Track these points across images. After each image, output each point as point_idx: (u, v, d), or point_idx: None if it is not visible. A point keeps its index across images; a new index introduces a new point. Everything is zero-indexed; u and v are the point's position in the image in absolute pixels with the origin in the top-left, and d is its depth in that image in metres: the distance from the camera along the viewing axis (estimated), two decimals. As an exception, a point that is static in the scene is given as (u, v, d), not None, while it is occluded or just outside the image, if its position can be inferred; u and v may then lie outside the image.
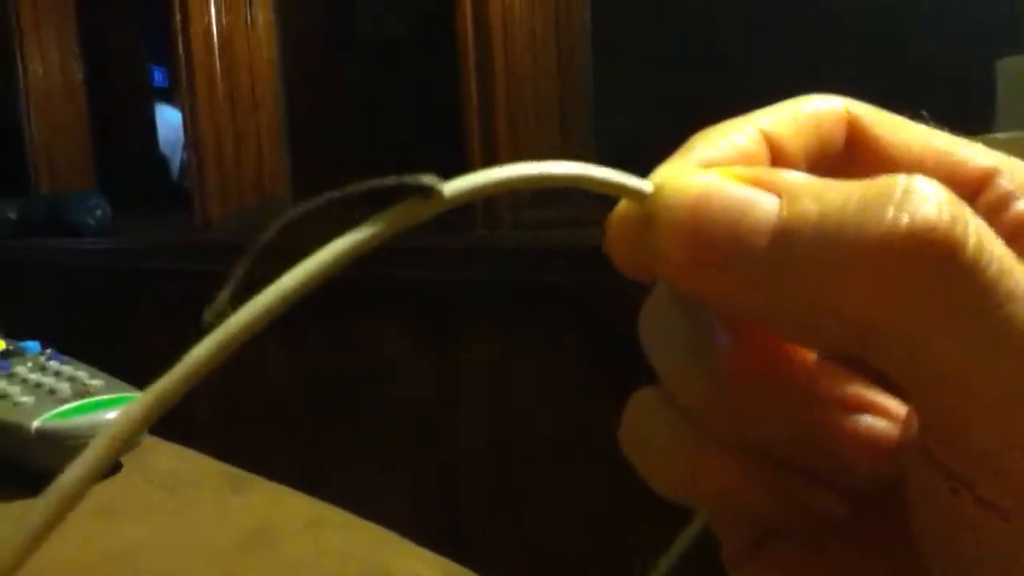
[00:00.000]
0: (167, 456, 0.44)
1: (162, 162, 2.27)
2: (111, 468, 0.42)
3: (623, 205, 0.18)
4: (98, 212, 1.64)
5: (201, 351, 0.14)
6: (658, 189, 0.17)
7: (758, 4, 1.02)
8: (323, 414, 1.23)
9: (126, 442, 0.14)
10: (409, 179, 0.15)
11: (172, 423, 0.47)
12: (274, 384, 1.28)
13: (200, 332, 0.15)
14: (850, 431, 0.18)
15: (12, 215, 1.77)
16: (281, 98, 1.47)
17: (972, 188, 0.18)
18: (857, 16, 0.94)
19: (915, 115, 0.20)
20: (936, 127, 0.20)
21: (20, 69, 1.80)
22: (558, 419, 1.01)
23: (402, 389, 1.14)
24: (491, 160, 1.07)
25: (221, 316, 0.14)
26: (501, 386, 1.05)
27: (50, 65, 1.82)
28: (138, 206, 1.82)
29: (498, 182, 0.16)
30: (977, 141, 0.19)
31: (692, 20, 1.07)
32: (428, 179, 0.15)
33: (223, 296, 0.14)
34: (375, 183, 0.15)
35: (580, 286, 0.94)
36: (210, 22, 1.38)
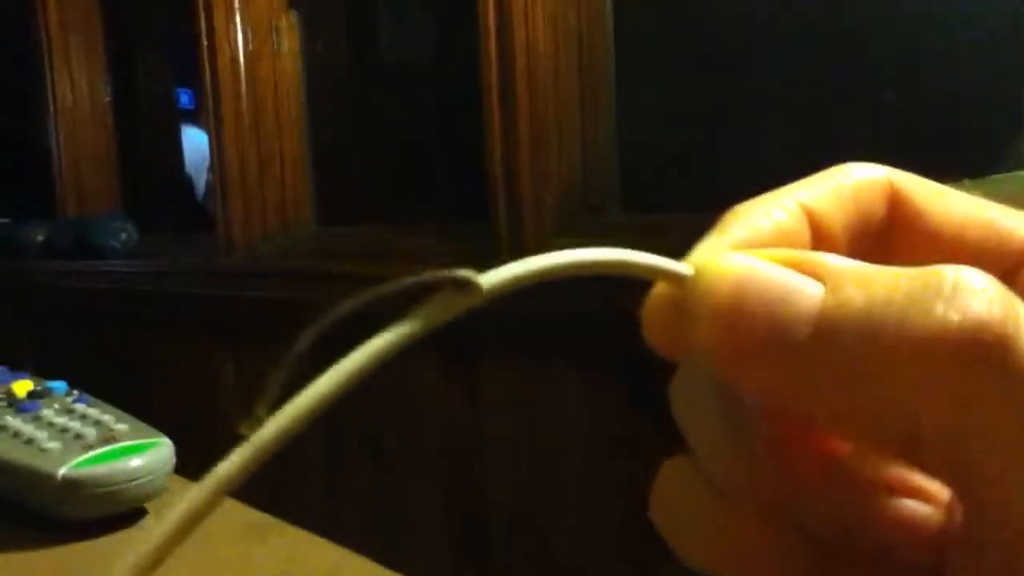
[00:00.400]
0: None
1: (187, 184, 2.29)
2: (137, 512, 0.42)
3: (660, 287, 0.17)
4: (123, 235, 1.66)
5: (236, 460, 0.14)
6: (697, 273, 0.16)
7: (782, 15, 1.01)
8: (349, 445, 1.23)
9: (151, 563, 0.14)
10: (447, 274, 0.15)
11: (200, 462, 0.46)
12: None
13: (237, 441, 0.14)
14: (891, 515, 0.17)
15: (40, 238, 1.79)
16: (305, 124, 1.48)
17: (1015, 260, 0.18)
18: (883, 25, 0.93)
19: (957, 182, 0.20)
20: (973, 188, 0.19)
21: (49, 93, 1.82)
22: (589, 453, 1.00)
23: (429, 417, 1.13)
24: (512, 185, 1.07)
25: (257, 424, 0.14)
26: (530, 418, 1.05)
27: (79, 89, 1.84)
28: (163, 228, 1.83)
29: (537, 271, 0.16)
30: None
31: (713, 36, 1.07)
32: (466, 273, 0.15)
33: (260, 408, 0.14)
34: (412, 281, 0.14)
35: (613, 315, 0.93)
36: (236, 49, 1.39)
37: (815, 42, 0.98)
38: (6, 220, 1.87)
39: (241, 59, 1.40)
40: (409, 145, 1.45)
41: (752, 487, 0.17)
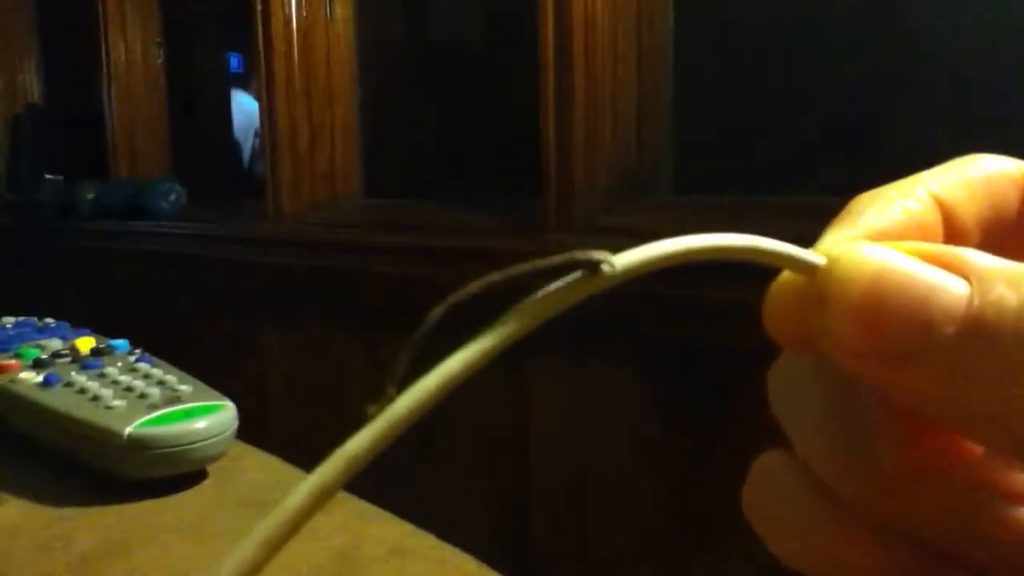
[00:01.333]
0: (254, 467, 0.44)
1: (235, 148, 2.30)
2: (198, 475, 0.42)
3: (787, 274, 0.16)
4: (172, 197, 1.67)
5: (366, 437, 0.14)
6: (831, 263, 0.15)
7: (839, 10, 0.99)
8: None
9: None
10: (579, 255, 0.14)
11: (253, 432, 0.46)
12: (349, 399, 1.29)
13: (361, 422, 0.14)
14: (1013, 523, 0.17)
15: (91, 196, 1.81)
16: (356, 94, 1.48)
17: None
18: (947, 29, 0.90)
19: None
20: None
21: (104, 57, 1.84)
22: (633, 446, 0.99)
23: (476, 407, 1.13)
24: (564, 161, 1.06)
25: (387, 402, 0.14)
26: (575, 410, 1.04)
27: (133, 53, 1.86)
28: (211, 192, 1.85)
29: (670, 254, 0.15)
30: None
31: (774, 17, 1.04)
32: (599, 255, 0.14)
33: (390, 386, 0.14)
34: (541, 263, 0.14)
35: (663, 309, 0.92)
36: (290, 14, 1.39)
37: (879, 25, 0.95)
38: (60, 178, 1.90)
39: (294, 25, 1.40)
40: (458, 120, 1.44)
41: (863, 487, 0.16)
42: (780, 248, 0.16)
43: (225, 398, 0.44)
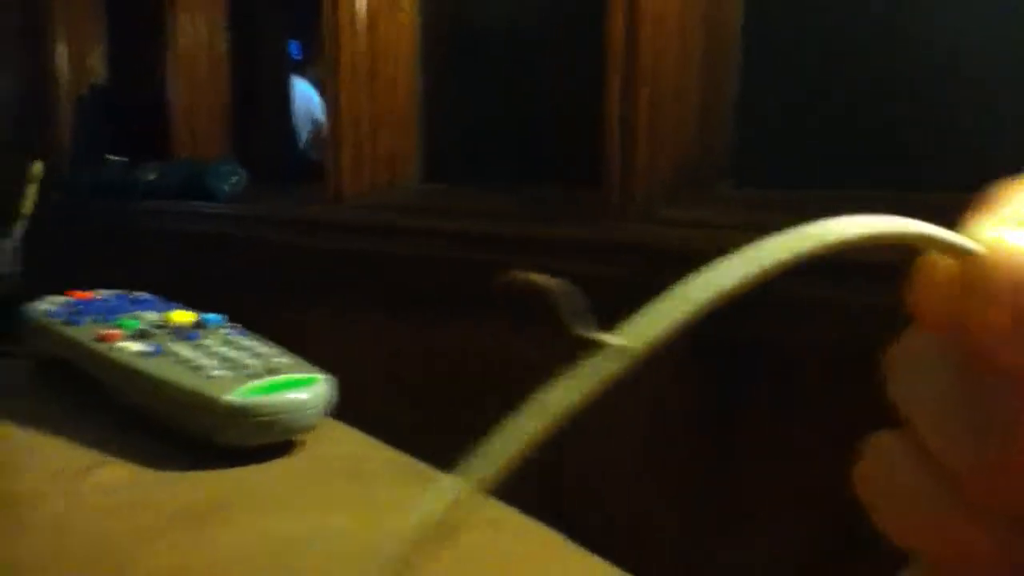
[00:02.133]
0: (344, 440, 0.45)
1: (293, 134, 2.34)
2: (287, 445, 0.44)
3: (935, 257, 0.17)
4: (233, 179, 1.71)
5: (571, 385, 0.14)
6: (988, 249, 0.16)
7: (907, 8, 0.98)
8: (451, 408, 1.25)
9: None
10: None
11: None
12: (403, 383, 1.31)
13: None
14: None
15: (152, 177, 1.85)
16: (418, 83, 1.49)
17: None
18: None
19: None
20: None
21: (170, 41, 1.88)
22: (660, 426, 0.99)
23: (519, 386, 1.14)
24: (627, 151, 1.06)
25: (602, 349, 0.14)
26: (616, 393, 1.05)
27: (199, 37, 1.89)
28: (268, 176, 1.88)
29: (833, 241, 0.15)
30: None
31: (841, 23, 1.03)
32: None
33: (597, 335, 0.14)
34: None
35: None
36: (358, 3, 1.41)
37: (952, 19, 0.94)
38: (124, 159, 1.94)
39: (362, 13, 1.41)
40: (518, 107, 1.45)
41: (990, 472, 0.16)
42: (935, 232, 0.16)
43: (321, 371, 0.45)
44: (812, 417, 0.87)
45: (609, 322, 0.15)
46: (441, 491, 0.14)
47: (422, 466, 0.42)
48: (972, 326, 0.16)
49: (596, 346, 0.14)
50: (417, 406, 1.27)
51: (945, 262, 0.17)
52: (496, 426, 0.14)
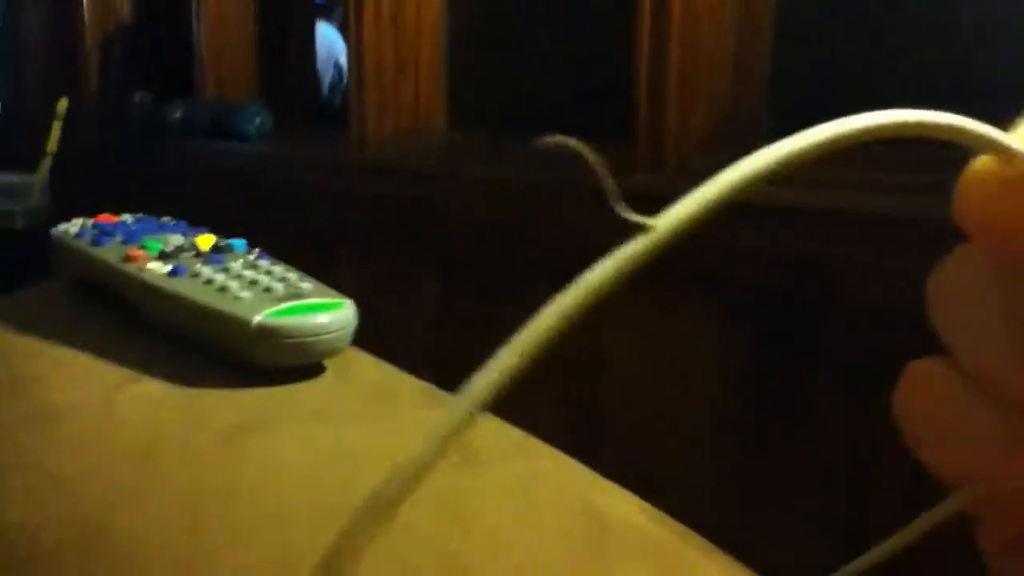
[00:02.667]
0: (369, 367, 0.46)
1: (316, 78, 2.32)
2: (317, 370, 0.44)
3: (982, 161, 0.16)
4: (258, 121, 1.70)
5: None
6: None
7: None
8: (471, 350, 1.25)
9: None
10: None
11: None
12: (422, 327, 1.31)
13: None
14: None
15: (177, 115, 1.85)
16: (444, 26, 1.48)
17: None
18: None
19: None
20: None
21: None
22: (707, 389, 0.99)
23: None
24: (657, 103, 1.05)
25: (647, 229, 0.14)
26: (647, 347, 1.04)
27: (224, -24, 1.88)
28: (294, 119, 1.87)
29: (874, 126, 0.15)
30: None
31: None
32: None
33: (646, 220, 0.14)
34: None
35: (755, 247, 0.91)
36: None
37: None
38: (149, 95, 1.94)
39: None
40: (547, 57, 1.43)
41: None
42: (982, 129, 0.16)
43: (345, 297, 0.45)
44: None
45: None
46: (459, 401, 0.14)
47: (444, 393, 0.43)
48: (1011, 229, 0.15)
49: (627, 225, 0.14)
50: (438, 346, 1.28)
51: (990, 166, 0.16)
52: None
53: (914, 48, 0.99)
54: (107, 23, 2.21)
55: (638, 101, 1.05)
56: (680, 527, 0.31)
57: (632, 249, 0.15)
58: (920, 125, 0.16)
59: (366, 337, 0.46)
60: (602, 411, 1.10)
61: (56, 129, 2.11)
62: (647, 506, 0.33)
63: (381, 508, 0.14)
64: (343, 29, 2.41)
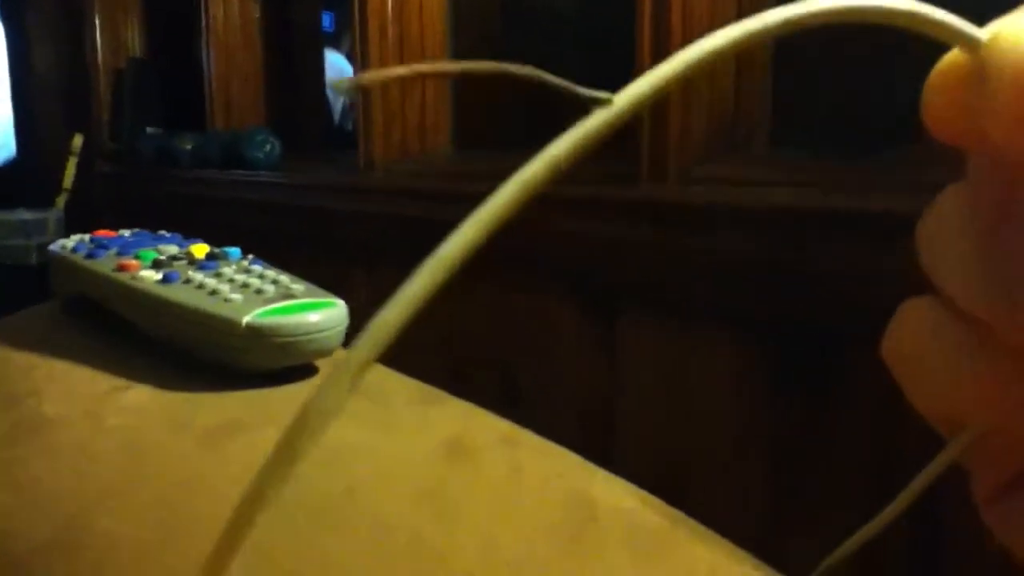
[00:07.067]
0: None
1: (327, 105, 2.34)
2: (309, 371, 0.43)
3: (947, 59, 0.16)
4: (268, 148, 1.71)
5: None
6: (995, 37, 0.15)
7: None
8: (477, 379, 1.24)
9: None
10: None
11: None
12: (429, 347, 1.30)
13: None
14: None
15: (189, 147, 1.87)
16: (449, 48, 1.48)
17: None
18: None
19: None
20: None
21: (203, 13, 1.89)
22: (726, 416, 0.97)
23: (561, 357, 1.13)
24: (660, 115, 1.04)
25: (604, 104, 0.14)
26: (664, 373, 1.03)
27: (231, 10, 1.90)
28: (304, 145, 1.88)
29: (847, 7, 0.14)
30: None
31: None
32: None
33: (604, 97, 0.13)
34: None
35: (768, 258, 0.89)
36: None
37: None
38: (159, 130, 1.96)
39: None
40: (550, 71, 1.44)
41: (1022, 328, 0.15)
42: (940, 16, 0.15)
43: (336, 297, 0.45)
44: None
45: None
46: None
47: (440, 392, 0.42)
48: (975, 124, 0.15)
49: (590, 103, 0.15)
50: (442, 369, 1.27)
51: (954, 63, 0.15)
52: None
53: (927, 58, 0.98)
54: (118, 59, 2.24)
55: (640, 113, 1.05)
56: (673, 511, 0.29)
57: (591, 123, 0.15)
58: (878, 11, 0.15)
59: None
60: (616, 429, 1.08)
61: (71, 165, 2.14)
62: (637, 490, 0.32)
63: (285, 458, 0.13)
64: (351, 57, 2.44)
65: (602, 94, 0.15)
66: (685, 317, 0.99)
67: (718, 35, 0.14)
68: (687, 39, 0.87)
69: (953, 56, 0.15)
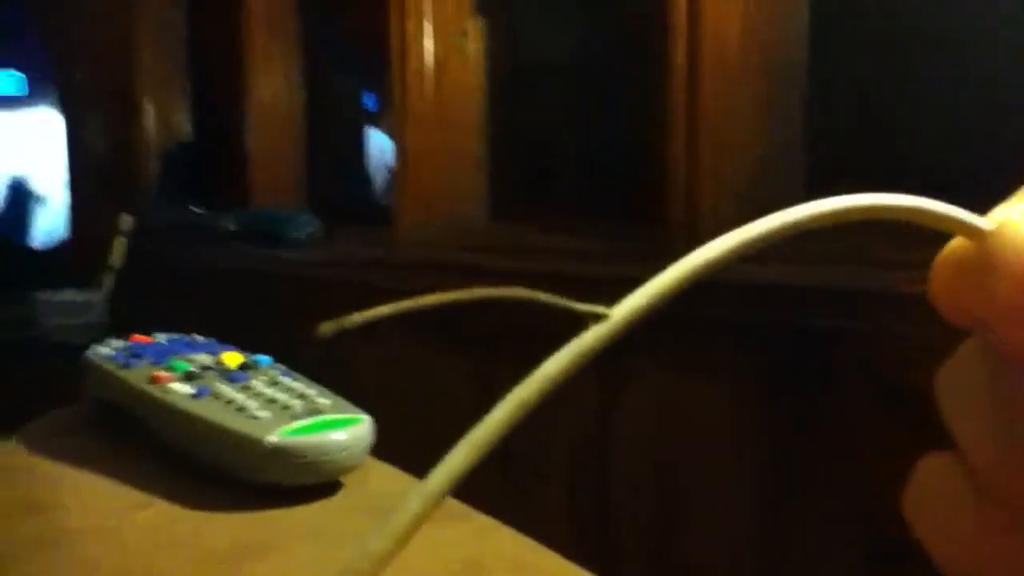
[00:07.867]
0: (385, 479, 0.45)
1: (368, 182, 2.39)
2: (332, 485, 0.44)
3: (952, 245, 0.16)
4: (309, 229, 1.75)
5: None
6: (1000, 227, 0.15)
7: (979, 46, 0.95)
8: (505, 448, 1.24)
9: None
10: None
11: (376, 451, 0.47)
12: (444, 394, 1.30)
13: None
14: None
15: (231, 227, 1.91)
16: (484, 126, 1.51)
17: None
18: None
19: None
20: None
21: (247, 96, 1.95)
22: (721, 468, 0.96)
23: (562, 412, 1.12)
24: (691, 190, 1.05)
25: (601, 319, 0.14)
26: (663, 427, 1.02)
27: (275, 93, 1.96)
28: (345, 220, 1.92)
29: (838, 209, 0.15)
30: None
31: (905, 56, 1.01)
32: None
33: (601, 309, 0.14)
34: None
35: (760, 323, 0.89)
36: (424, 53, 1.44)
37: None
38: (203, 210, 2.01)
39: (431, 63, 1.45)
40: (583, 146, 1.45)
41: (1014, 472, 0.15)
42: (944, 210, 0.15)
43: (362, 412, 0.45)
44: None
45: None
46: (417, 493, 0.15)
47: (462, 506, 0.42)
48: (981, 311, 0.15)
49: (588, 317, 0.15)
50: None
51: (960, 249, 0.16)
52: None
53: (949, 127, 0.98)
54: (167, 141, 2.32)
55: (672, 190, 1.06)
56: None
57: (587, 338, 0.15)
58: (884, 208, 0.15)
59: (401, 435, 0.45)
60: (612, 482, 1.07)
61: (118, 244, 2.19)
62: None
63: None
64: (392, 134, 2.49)
65: (599, 309, 0.15)
66: (683, 377, 0.99)
67: (715, 245, 0.15)
68: (718, 101, 0.88)
69: (957, 244, 0.16)
